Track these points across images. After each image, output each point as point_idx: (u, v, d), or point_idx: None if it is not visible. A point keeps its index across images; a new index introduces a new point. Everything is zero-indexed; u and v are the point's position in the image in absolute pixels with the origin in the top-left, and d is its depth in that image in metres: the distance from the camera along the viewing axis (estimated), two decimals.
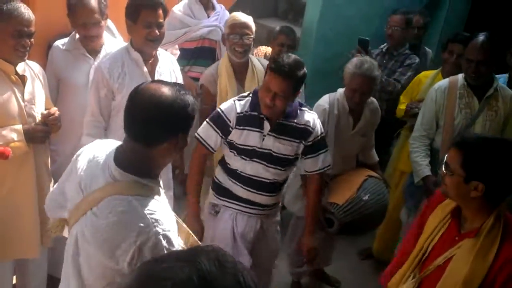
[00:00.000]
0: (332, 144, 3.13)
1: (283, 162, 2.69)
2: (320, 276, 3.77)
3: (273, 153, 2.66)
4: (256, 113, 2.61)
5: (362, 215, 3.01)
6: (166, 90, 1.57)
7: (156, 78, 2.89)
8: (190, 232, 1.78)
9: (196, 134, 2.71)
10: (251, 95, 2.67)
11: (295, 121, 2.65)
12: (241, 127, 2.62)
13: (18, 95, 2.57)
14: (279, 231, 3.02)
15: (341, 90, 3.13)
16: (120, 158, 1.63)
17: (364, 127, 3.17)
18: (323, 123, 3.09)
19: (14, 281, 2.93)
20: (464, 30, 4.92)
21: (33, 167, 2.65)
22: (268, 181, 2.73)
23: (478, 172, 1.89)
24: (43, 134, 2.64)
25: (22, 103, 2.58)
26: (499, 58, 3.02)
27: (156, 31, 2.76)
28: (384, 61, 4.03)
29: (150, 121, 1.56)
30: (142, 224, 1.51)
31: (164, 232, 1.53)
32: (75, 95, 3.01)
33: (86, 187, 1.65)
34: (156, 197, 1.62)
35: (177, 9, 3.85)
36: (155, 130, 1.57)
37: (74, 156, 1.79)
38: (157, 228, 1.52)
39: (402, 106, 3.68)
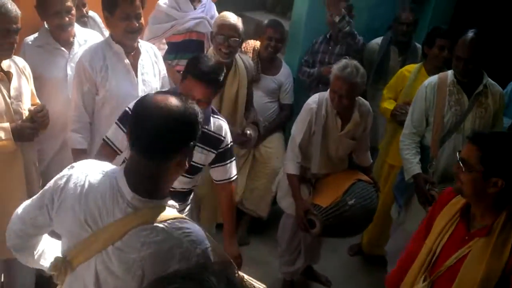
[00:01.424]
0: (318, 144, 3.12)
1: (194, 171, 2.51)
2: (309, 274, 3.76)
3: None
4: None
5: (346, 219, 3.00)
6: (174, 101, 1.50)
7: (138, 70, 2.86)
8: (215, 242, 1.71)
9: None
10: None
11: (207, 127, 2.48)
12: None
13: (4, 91, 2.51)
14: None
15: None
16: (135, 183, 1.50)
17: (353, 129, 3.14)
18: (310, 122, 3.09)
19: (1, 280, 2.89)
20: (450, 24, 4.94)
21: (21, 167, 2.60)
22: (174, 190, 2.44)
23: (498, 168, 1.89)
24: (31, 131, 2.57)
25: (8, 100, 2.52)
26: (488, 55, 3.04)
27: (135, 23, 2.71)
28: (330, 47, 4.04)
29: (167, 133, 1.47)
30: (181, 250, 1.45)
31: (203, 252, 1.48)
32: (54, 90, 2.94)
33: (96, 221, 1.51)
34: (179, 214, 1.54)
35: (163, 2, 3.77)
36: (172, 142, 1.49)
37: (53, 183, 1.61)
38: (197, 250, 1.47)
39: (386, 104, 3.67)
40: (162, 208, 1.51)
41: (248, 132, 3.27)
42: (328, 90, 3.09)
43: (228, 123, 2.65)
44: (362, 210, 3.04)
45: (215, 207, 3.47)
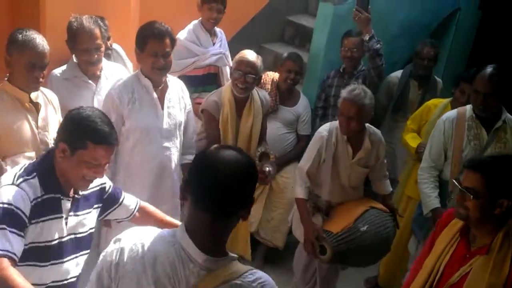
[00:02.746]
0: (328, 172, 3.14)
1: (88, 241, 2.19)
2: None
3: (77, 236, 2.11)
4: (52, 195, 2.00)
5: (358, 246, 2.98)
6: (235, 153, 1.48)
7: (165, 104, 2.95)
8: None
9: None
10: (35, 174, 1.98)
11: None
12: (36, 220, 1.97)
13: (32, 122, 2.59)
14: None
15: None
16: (204, 243, 1.45)
17: (365, 157, 3.15)
18: (320, 150, 3.12)
19: None
20: (469, 58, 4.97)
21: None
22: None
23: (504, 191, 2.00)
24: None
25: (35, 130, 2.60)
26: (507, 90, 3.04)
27: (162, 61, 2.82)
28: (344, 81, 4.05)
29: (236, 190, 1.44)
30: None
31: None
32: None
33: None
34: (245, 266, 1.52)
35: (183, 37, 3.88)
36: (241, 198, 1.46)
37: (103, 262, 1.52)
38: None
39: (410, 139, 3.69)
40: (232, 263, 1.49)
41: (267, 169, 3.32)
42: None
43: None
44: (375, 238, 3.01)
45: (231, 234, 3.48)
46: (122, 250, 1.51)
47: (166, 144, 2.97)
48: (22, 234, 1.89)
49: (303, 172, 3.17)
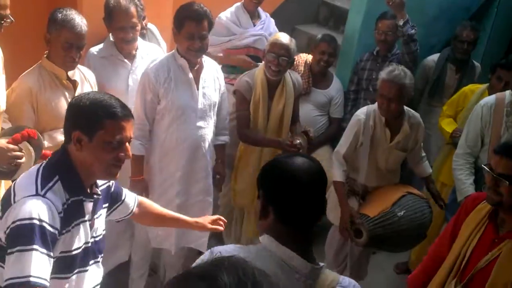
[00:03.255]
0: (366, 155, 3.12)
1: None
2: None
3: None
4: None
5: (395, 231, 2.97)
6: (308, 162, 1.52)
7: (200, 84, 2.97)
8: None
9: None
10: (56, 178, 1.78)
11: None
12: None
13: (69, 98, 2.64)
14: None
15: None
16: (304, 253, 1.47)
17: (403, 141, 3.12)
18: (357, 133, 3.10)
19: None
20: (510, 43, 4.80)
21: None
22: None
23: None
24: None
25: None
26: None
27: (198, 43, 2.83)
28: (378, 64, 3.98)
29: (320, 196, 1.50)
30: None
31: None
32: None
33: None
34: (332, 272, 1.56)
35: (224, 15, 3.89)
36: (324, 203, 1.53)
37: None
38: None
39: (446, 125, 3.63)
40: (326, 271, 1.50)
41: (298, 141, 3.28)
42: (376, 103, 3.08)
43: None
44: (412, 223, 2.99)
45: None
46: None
47: (200, 123, 3.00)
48: (52, 253, 1.67)
49: (340, 156, 3.16)
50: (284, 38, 3.31)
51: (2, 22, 2.15)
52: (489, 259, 2.05)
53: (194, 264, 1.36)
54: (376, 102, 3.09)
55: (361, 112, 3.15)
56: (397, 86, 2.91)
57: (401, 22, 3.65)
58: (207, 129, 3.05)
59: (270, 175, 1.52)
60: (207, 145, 3.07)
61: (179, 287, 0.95)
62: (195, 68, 2.96)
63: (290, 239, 1.46)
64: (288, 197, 1.46)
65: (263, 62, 3.42)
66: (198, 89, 2.97)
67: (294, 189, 1.45)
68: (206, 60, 3.05)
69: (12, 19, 2.20)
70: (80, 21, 2.55)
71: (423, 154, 3.30)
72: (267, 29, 3.94)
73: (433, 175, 3.81)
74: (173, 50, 2.99)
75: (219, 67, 3.20)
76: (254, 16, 3.95)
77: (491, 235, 2.08)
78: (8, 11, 2.18)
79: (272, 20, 4.03)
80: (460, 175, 3.07)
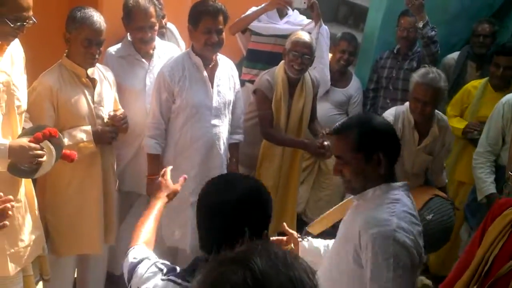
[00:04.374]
0: None
1: None
2: None
3: None
4: None
5: (423, 235, 2.93)
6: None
7: (215, 82, 2.98)
8: None
9: None
10: None
11: None
12: None
13: (88, 97, 2.69)
14: None
15: (408, 104, 3.05)
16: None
17: (431, 144, 3.05)
18: None
19: (75, 275, 3.06)
20: None
21: (100, 168, 2.76)
22: None
23: None
24: (110, 135, 2.74)
25: (91, 105, 2.70)
26: None
27: (215, 37, 2.83)
28: (398, 62, 3.93)
29: None
30: None
31: None
32: (132, 100, 3.08)
33: None
34: None
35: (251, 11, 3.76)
36: None
37: None
38: None
39: (455, 123, 3.55)
40: None
41: (326, 143, 3.27)
42: (406, 103, 3.04)
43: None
44: (439, 227, 2.95)
45: (278, 214, 3.48)
46: None
47: (215, 122, 2.99)
48: None
49: None
50: (306, 36, 3.29)
51: (25, 23, 2.20)
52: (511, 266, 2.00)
53: None
54: (405, 104, 3.04)
55: (390, 114, 3.10)
56: (433, 89, 2.85)
57: (420, 24, 3.60)
58: (222, 127, 3.04)
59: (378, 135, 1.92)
60: (222, 143, 3.06)
61: (213, 271, 0.98)
62: (210, 66, 2.96)
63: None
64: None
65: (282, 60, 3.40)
66: (212, 87, 2.97)
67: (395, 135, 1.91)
68: (221, 58, 3.05)
69: (35, 20, 2.24)
70: (98, 17, 2.59)
71: (444, 164, 3.25)
72: (295, 20, 3.82)
73: (448, 174, 3.76)
74: (188, 49, 3.00)
75: (233, 65, 3.19)
76: (282, 14, 3.81)
77: None
78: (31, 13, 2.23)
79: (297, 12, 3.95)
80: (480, 173, 3.02)
